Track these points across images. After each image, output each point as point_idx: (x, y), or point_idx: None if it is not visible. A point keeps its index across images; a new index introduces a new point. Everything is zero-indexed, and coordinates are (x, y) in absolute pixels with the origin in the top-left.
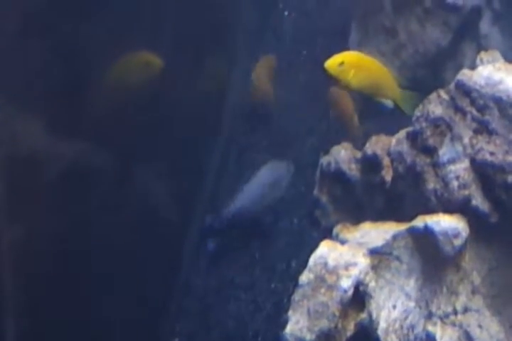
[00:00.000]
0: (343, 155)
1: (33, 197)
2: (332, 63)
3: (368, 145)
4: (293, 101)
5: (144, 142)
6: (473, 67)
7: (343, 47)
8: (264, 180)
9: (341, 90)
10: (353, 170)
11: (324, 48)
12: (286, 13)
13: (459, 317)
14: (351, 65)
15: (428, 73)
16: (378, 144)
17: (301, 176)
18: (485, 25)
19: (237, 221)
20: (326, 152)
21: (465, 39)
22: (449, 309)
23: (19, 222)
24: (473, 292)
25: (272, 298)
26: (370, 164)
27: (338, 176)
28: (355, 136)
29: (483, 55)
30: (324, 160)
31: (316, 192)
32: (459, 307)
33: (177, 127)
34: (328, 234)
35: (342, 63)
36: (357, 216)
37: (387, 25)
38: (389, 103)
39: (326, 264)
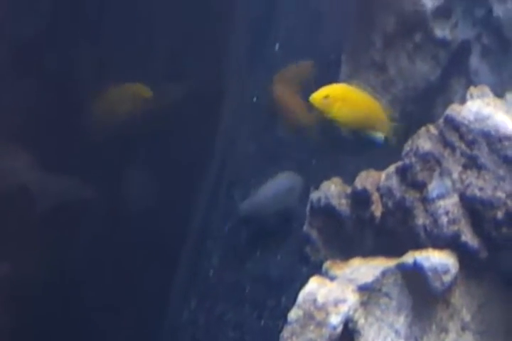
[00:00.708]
0: (333, 191)
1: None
2: (317, 96)
3: (357, 180)
4: (283, 133)
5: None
6: (463, 102)
7: (334, 81)
8: (280, 186)
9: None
10: (342, 206)
11: (315, 81)
12: (277, 45)
13: None
14: (336, 98)
15: (418, 108)
16: (368, 179)
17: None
18: (474, 60)
19: (249, 219)
20: (317, 187)
21: (454, 74)
22: None
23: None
24: (463, 328)
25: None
26: (360, 199)
27: (328, 211)
28: (310, 123)
29: (472, 90)
30: (314, 195)
31: (306, 227)
32: None
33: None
34: (318, 269)
35: (327, 96)
36: (347, 251)
37: (377, 60)
38: (379, 136)
39: (315, 301)
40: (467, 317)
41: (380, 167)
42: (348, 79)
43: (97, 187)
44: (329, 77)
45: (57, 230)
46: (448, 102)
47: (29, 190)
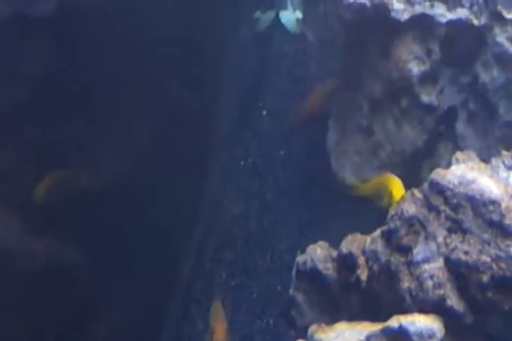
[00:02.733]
0: (319, 254)
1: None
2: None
3: (343, 244)
4: (272, 200)
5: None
6: (449, 166)
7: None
8: None
9: None
10: (328, 269)
11: (302, 147)
12: (264, 112)
13: None
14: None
15: (405, 172)
16: (354, 243)
17: (277, 275)
18: (461, 126)
19: None
20: (303, 251)
21: (441, 139)
22: None
23: None
24: None
25: None
26: (346, 263)
27: (314, 275)
28: None
29: (458, 154)
30: (300, 258)
31: (291, 291)
32: None
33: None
34: (303, 333)
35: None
36: (333, 315)
37: (364, 125)
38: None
39: None
40: None
41: (366, 228)
42: (336, 144)
43: (80, 251)
44: (316, 142)
45: (40, 293)
46: (435, 167)
47: (13, 253)
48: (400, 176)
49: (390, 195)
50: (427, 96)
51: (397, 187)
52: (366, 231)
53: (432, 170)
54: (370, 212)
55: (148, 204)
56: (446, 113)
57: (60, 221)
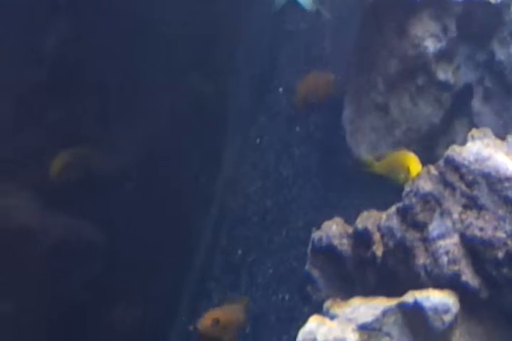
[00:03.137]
0: (334, 230)
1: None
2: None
3: (359, 220)
4: (288, 176)
5: None
6: (465, 143)
7: (337, 123)
8: None
9: None
10: (344, 245)
11: (317, 124)
12: (280, 89)
13: None
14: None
15: (421, 149)
16: (369, 219)
17: (293, 251)
18: (477, 103)
19: None
20: (318, 227)
21: (457, 116)
22: None
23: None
24: None
25: None
26: (361, 239)
27: (329, 251)
28: None
29: (473, 132)
30: (316, 235)
31: (307, 267)
32: None
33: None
34: (319, 308)
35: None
36: (348, 291)
37: (379, 102)
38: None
39: (314, 340)
40: None
41: (381, 205)
42: (351, 122)
43: (97, 228)
44: (334, 120)
45: (58, 269)
46: (450, 144)
47: (30, 229)
48: (415, 153)
49: (407, 171)
50: (443, 74)
51: (414, 163)
52: (382, 207)
53: (447, 147)
54: (386, 188)
55: (164, 182)
56: (462, 90)
57: (78, 199)
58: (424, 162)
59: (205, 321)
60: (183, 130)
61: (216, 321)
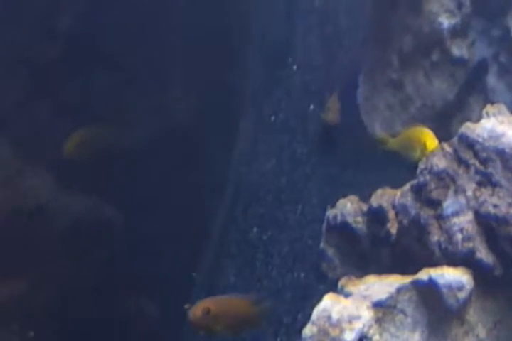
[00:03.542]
0: (349, 208)
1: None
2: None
3: (373, 198)
4: (303, 153)
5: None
6: (479, 120)
7: (351, 100)
8: None
9: None
10: (359, 223)
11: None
12: (294, 67)
13: None
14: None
15: (436, 126)
16: (384, 197)
17: (308, 229)
18: (491, 79)
19: None
20: (333, 205)
21: (472, 92)
22: None
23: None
24: None
25: None
26: (376, 217)
27: (344, 229)
28: None
29: (488, 108)
30: (331, 213)
31: (322, 245)
32: None
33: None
34: (334, 286)
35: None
36: (363, 268)
37: (394, 79)
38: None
39: (329, 317)
40: (482, 334)
41: (396, 183)
42: (366, 99)
43: (114, 207)
44: (347, 97)
45: (75, 247)
46: (465, 120)
47: (47, 208)
48: (430, 130)
49: (424, 147)
50: (458, 50)
51: (430, 138)
52: (397, 185)
53: (462, 123)
54: (401, 166)
55: (179, 161)
56: (477, 66)
57: (94, 177)
58: (439, 139)
59: (196, 310)
60: (198, 108)
61: (207, 311)
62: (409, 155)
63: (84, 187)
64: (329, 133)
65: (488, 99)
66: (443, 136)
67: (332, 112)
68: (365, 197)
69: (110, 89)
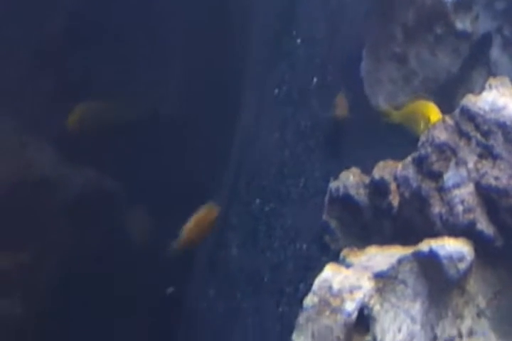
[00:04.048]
0: (351, 181)
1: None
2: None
3: (375, 170)
4: (306, 127)
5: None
6: (482, 92)
7: (355, 73)
8: None
9: None
10: (361, 195)
11: (336, 75)
12: (298, 40)
13: (464, 340)
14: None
15: (439, 99)
16: (386, 169)
17: (311, 201)
18: (495, 52)
19: None
20: (336, 177)
21: (475, 65)
22: (454, 332)
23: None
24: (479, 315)
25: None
26: (378, 189)
27: (346, 201)
28: None
29: (491, 80)
30: (333, 185)
31: (324, 216)
32: (464, 330)
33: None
34: (336, 258)
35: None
36: (365, 240)
37: (398, 52)
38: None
39: (330, 288)
40: (482, 304)
41: (400, 156)
42: (369, 73)
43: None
44: (352, 71)
45: (78, 219)
46: (469, 93)
47: (50, 180)
48: (434, 103)
49: (427, 120)
50: (462, 23)
51: (434, 112)
52: (399, 159)
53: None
54: (404, 139)
55: (181, 134)
56: (481, 39)
57: (97, 150)
58: (443, 112)
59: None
60: (200, 81)
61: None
62: (413, 128)
63: (86, 160)
64: (338, 129)
65: (491, 72)
66: (446, 110)
67: (340, 108)
68: (368, 170)
69: (112, 63)
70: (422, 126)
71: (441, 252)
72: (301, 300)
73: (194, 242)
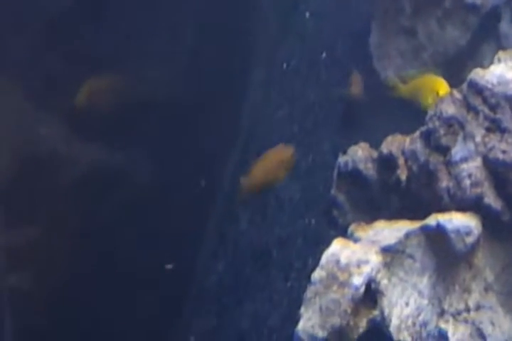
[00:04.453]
0: (360, 155)
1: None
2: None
3: (383, 144)
4: (315, 101)
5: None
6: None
7: (364, 47)
8: None
9: None
10: (369, 170)
11: (344, 49)
12: (307, 14)
13: (472, 314)
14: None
15: (448, 73)
16: (394, 143)
17: (320, 176)
18: (504, 25)
19: None
20: (344, 152)
21: (484, 39)
22: (462, 306)
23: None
24: (486, 289)
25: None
26: (386, 163)
27: (355, 175)
28: None
29: (501, 54)
30: (342, 159)
31: (333, 191)
32: (471, 304)
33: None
34: (344, 232)
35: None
36: (373, 214)
37: (406, 26)
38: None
39: (338, 262)
40: (490, 278)
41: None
42: (378, 46)
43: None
44: (361, 44)
45: (85, 197)
46: (478, 67)
47: (59, 156)
48: (442, 77)
49: (436, 95)
50: None
51: (443, 86)
52: (408, 133)
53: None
54: (413, 114)
55: (190, 109)
56: (490, 13)
57: (105, 127)
58: (452, 86)
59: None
60: (209, 56)
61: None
62: (421, 102)
63: (95, 137)
64: (353, 108)
65: (501, 46)
66: (455, 83)
67: (355, 86)
68: (376, 145)
69: (121, 39)
70: (430, 100)
71: (449, 226)
72: (309, 275)
73: (265, 184)
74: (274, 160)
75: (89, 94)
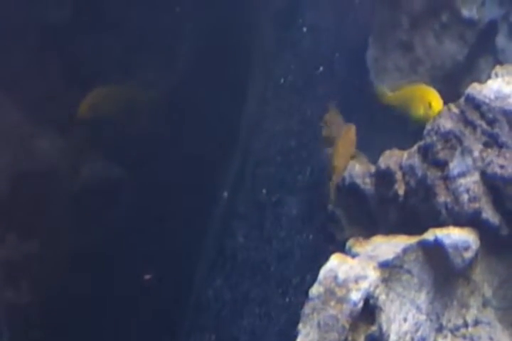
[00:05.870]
0: (357, 170)
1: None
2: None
3: (381, 159)
4: (312, 115)
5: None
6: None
7: (361, 62)
8: None
9: None
10: (367, 184)
11: (342, 63)
12: (304, 29)
13: (470, 329)
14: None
15: (445, 87)
16: (391, 158)
17: (317, 191)
18: (501, 40)
19: None
20: None
21: (482, 53)
22: (460, 322)
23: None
24: (484, 305)
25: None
26: (384, 178)
27: (352, 190)
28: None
29: (498, 69)
30: None
31: (331, 206)
32: (469, 320)
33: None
34: (342, 247)
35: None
36: (371, 229)
37: (404, 40)
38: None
39: (336, 277)
40: (488, 293)
41: (405, 145)
42: (375, 61)
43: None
44: (358, 59)
45: (86, 209)
46: (475, 81)
47: (59, 169)
48: (439, 91)
49: (428, 106)
50: (468, 11)
51: (435, 98)
52: (405, 147)
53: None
54: (409, 128)
55: (190, 122)
56: (487, 27)
57: (105, 139)
58: (449, 100)
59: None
60: (207, 68)
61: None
62: (411, 112)
63: (94, 148)
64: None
65: (497, 60)
66: (453, 98)
67: (329, 128)
68: (373, 159)
69: (120, 49)
70: (421, 111)
71: (447, 241)
72: (307, 291)
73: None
74: (347, 138)
75: (93, 105)
